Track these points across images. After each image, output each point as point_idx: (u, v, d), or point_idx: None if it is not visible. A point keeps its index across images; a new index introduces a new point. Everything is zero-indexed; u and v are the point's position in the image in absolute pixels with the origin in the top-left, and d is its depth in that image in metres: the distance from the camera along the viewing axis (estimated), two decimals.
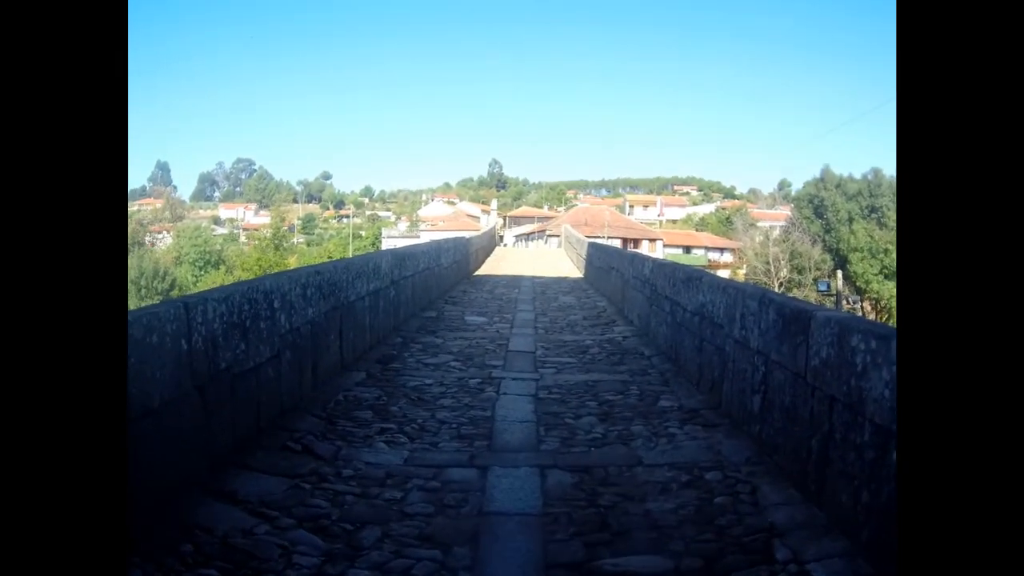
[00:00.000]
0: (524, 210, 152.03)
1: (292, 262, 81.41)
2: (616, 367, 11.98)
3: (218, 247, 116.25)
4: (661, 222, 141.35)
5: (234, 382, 6.76)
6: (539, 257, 52.44)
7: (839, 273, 63.99)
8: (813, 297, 62.16)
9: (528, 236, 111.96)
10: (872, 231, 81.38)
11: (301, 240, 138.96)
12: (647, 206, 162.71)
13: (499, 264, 41.32)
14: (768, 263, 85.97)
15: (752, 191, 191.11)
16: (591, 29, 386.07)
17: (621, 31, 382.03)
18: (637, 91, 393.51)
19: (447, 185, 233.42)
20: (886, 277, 77.00)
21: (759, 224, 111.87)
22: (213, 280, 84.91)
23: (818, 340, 5.91)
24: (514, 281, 29.00)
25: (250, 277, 9.49)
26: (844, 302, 57.52)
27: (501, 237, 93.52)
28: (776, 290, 27.02)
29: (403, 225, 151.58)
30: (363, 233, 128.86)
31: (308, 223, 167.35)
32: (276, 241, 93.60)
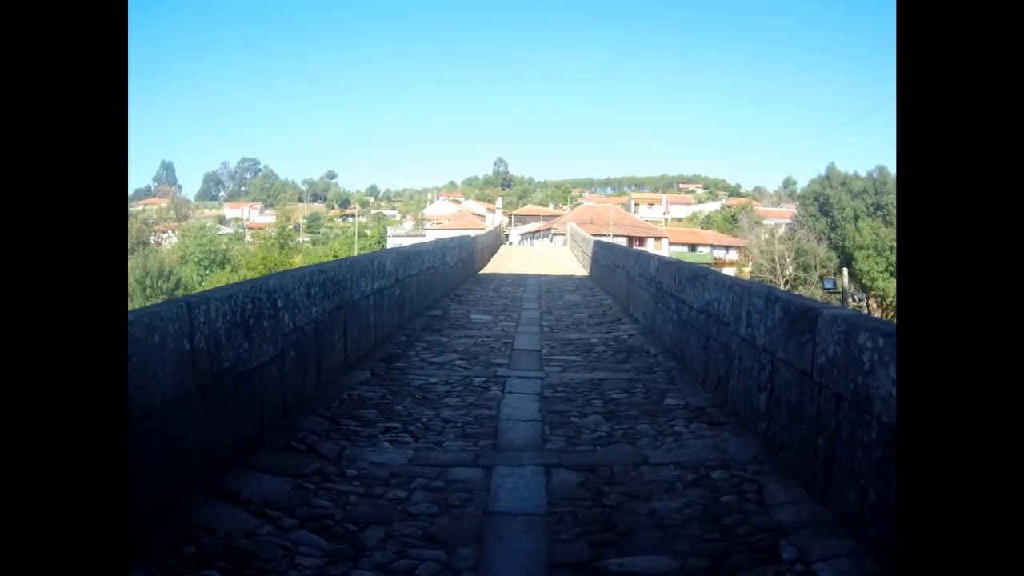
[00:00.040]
0: (529, 208, 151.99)
1: (297, 261, 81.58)
2: (622, 365, 11.94)
3: (223, 246, 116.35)
4: (666, 220, 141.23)
5: (237, 381, 6.73)
6: (544, 255, 52.39)
7: (845, 271, 64.06)
8: (819, 295, 62.06)
9: (533, 235, 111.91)
10: (877, 228, 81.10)
11: (306, 239, 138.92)
12: (652, 204, 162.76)
13: (504, 262, 41.30)
14: (774, 261, 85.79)
15: (757, 189, 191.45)
16: (596, 28, 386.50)
17: (626, 31, 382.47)
18: (642, 90, 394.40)
19: (452, 184, 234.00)
20: (891, 275, 76.71)
21: (764, 222, 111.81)
22: (218, 279, 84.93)
23: (825, 338, 5.87)
24: (519, 279, 29.00)
25: (255, 276, 9.47)
26: (850, 300, 57.56)
27: (506, 236, 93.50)
28: (782, 288, 26.99)
29: (408, 224, 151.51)
30: (368, 232, 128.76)
31: (313, 222, 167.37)
32: (281, 240, 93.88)
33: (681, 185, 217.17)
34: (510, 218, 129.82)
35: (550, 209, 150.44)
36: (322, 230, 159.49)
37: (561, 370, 11.43)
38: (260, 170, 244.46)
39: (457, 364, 11.76)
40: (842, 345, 5.52)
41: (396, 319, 14.56)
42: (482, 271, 34.25)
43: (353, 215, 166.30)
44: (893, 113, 3.31)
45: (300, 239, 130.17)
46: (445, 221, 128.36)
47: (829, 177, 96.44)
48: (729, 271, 56.71)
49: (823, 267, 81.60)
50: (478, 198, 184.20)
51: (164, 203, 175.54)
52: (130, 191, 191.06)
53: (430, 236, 69.06)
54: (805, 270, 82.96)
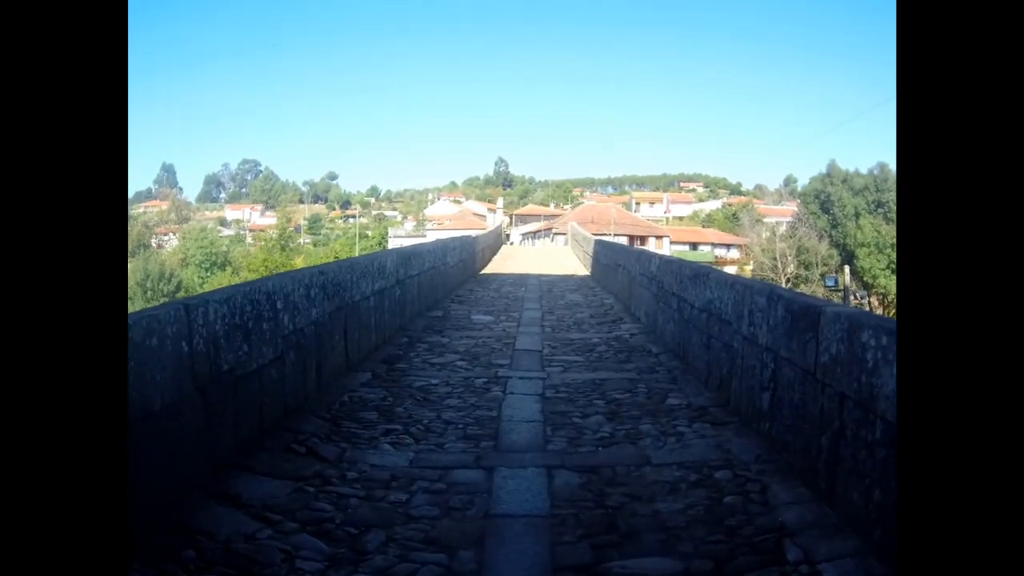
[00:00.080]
0: (530, 208, 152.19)
1: (299, 262, 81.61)
2: (623, 365, 11.92)
3: (224, 248, 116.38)
4: (667, 219, 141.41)
5: (237, 384, 6.69)
6: (546, 255, 52.42)
7: (846, 268, 64.07)
8: (820, 293, 62.05)
9: (535, 234, 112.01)
10: (879, 226, 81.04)
11: (307, 240, 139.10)
12: (653, 203, 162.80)
13: (506, 262, 41.32)
14: (775, 259, 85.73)
15: (758, 187, 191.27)
16: (597, 28, 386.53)
17: (627, 30, 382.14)
18: (643, 89, 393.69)
19: (453, 184, 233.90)
20: (893, 272, 76.66)
21: (766, 220, 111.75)
22: (219, 282, 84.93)
23: (828, 336, 5.83)
24: (521, 279, 28.99)
25: (256, 278, 9.49)
26: (852, 297, 57.54)
27: (507, 235, 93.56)
28: (783, 286, 27.00)
29: (409, 224, 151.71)
30: (369, 233, 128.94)
31: (314, 223, 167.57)
32: (282, 242, 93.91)
33: (682, 184, 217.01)
34: (511, 218, 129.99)
35: (551, 209, 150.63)
36: (323, 231, 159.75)
37: (563, 370, 11.40)
38: (261, 172, 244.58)
39: (458, 365, 11.73)
40: (845, 343, 5.49)
41: (397, 320, 14.53)
42: (483, 271, 34.26)
43: (354, 216, 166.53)
44: (894, 111, 3.31)
45: (301, 240, 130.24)
46: (446, 221, 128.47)
47: (830, 174, 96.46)
48: (730, 269, 56.74)
49: (825, 265, 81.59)
50: (479, 198, 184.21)
51: (165, 205, 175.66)
52: (130, 193, 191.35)
53: (431, 236, 69.11)
54: (807, 268, 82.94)
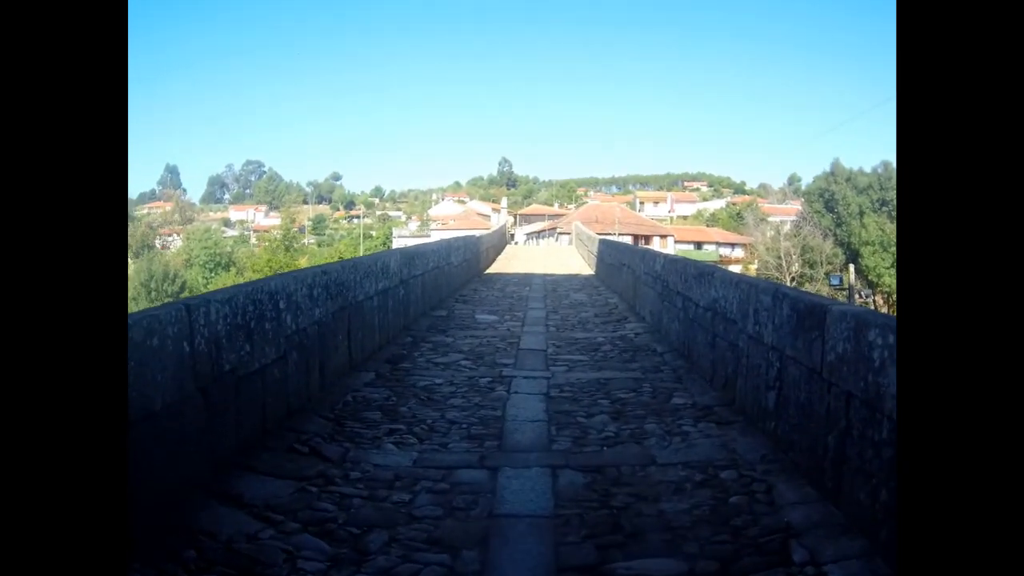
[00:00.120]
0: (535, 208, 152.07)
1: (303, 263, 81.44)
2: (628, 364, 11.88)
3: (228, 249, 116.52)
4: (672, 218, 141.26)
5: (239, 384, 6.67)
6: (550, 255, 52.41)
7: (851, 267, 63.97)
8: (825, 291, 62.13)
9: (539, 234, 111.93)
10: (883, 224, 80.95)
11: (312, 241, 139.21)
12: (657, 202, 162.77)
13: (510, 262, 41.31)
14: (780, 258, 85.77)
15: (762, 186, 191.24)
16: (600, 28, 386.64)
17: (630, 30, 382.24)
18: (646, 88, 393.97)
19: (457, 184, 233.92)
20: None
21: (770, 219, 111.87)
22: (224, 282, 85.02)
23: (834, 335, 5.80)
24: (525, 279, 28.97)
25: (259, 278, 9.48)
26: (856, 296, 57.51)
27: (512, 235, 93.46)
28: (788, 285, 27.06)
29: (414, 225, 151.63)
30: (374, 233, 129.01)
31: (319, 224, 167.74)
32: (287, 242, 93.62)
33: (686, 183, 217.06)
34: (515, 218, 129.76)
35: (555, 208, 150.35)
36: (327, 232, 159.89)
37: (567, 370, 11.37)
38: (265, 172, 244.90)
39: (462, 364, 11.71)
40: (851, 342, 5.45)
41: (401, 320, 14.51)
42: (487, 271, 34.26)
43: (358, 216, 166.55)
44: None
45: (305, 241, 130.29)
46: (450, 221, 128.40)
47: (834, 173, 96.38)
48: (735, 269, 56.70)
49: (829, 264, 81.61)
50: (483, 198, 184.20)
51: (169, 206, 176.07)
52: (134, 195, 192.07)
53: (435, 236, 69.00)
54: (811, 267, 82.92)
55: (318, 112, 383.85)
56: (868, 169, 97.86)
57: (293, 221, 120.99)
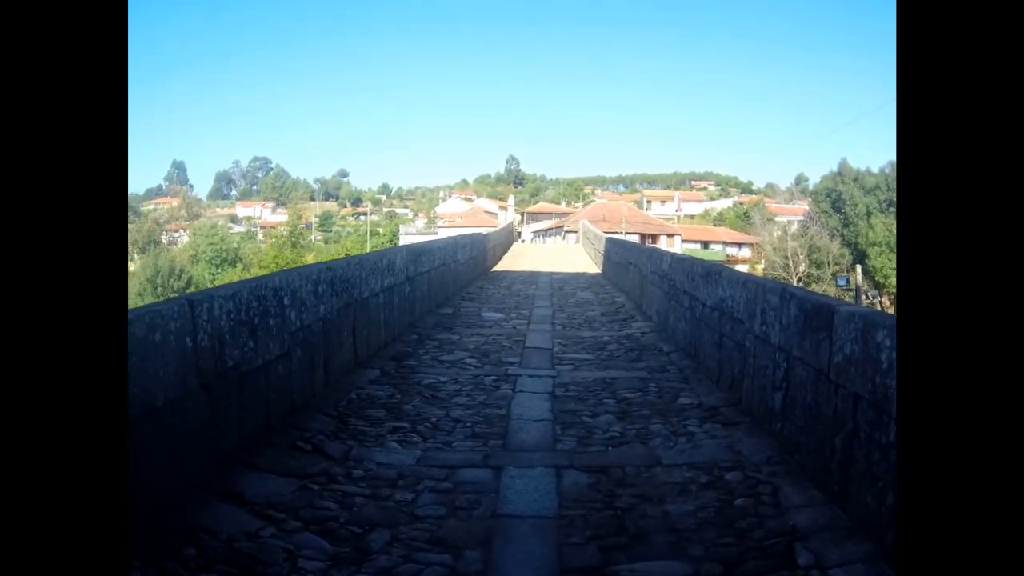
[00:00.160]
0: (542, 206, 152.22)
1: (309, 259, 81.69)
2: (634, 364, 11.84)
3: (235, 245, 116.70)
4: (679, 217, 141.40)
5: (242, 380, 6.64)
6: (557, 253, 52.46)
7: (858, 268, 63.96)
8: (832, 292, 62.00)
9: (546, 232, 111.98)
10: (891, 225, 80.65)
11: (319, 238, 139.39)
12: (665, 201, 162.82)
13: (517, 260, 41.35)
14: (786, 258, 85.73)
15: (769, 186, 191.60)
16: (608, 28, 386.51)
17: (638, 30, 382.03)
18: (654, 87, 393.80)
19: (464, 182, 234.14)
20: None
21: (777, 219, 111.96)
22: (230, 278, 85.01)
23: (841, 336, 5.75)
24: (531, 277, 28.94)
25: (264, 274, 9.49)
26: (863, 297, 57.44)
27: (519, 233, 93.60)
28: (795, 285, 27.03)
29: (421, 222, 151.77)
30: (381, 230, 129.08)
31: (325, 221, 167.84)
32: (293, 239, 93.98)
33: (693, 182, 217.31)
34: (522, 216, 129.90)
35: (562, 207, 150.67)
36: (334, 229, 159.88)
37: (573, 368, 11.34)
38: (272, 169, 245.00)
39: (468, 362, 11.68)
40: (859, 343, 5.41)
41: (407, 317, 14.49)
42: (494, 269, 34.27)
43: (365, 213, 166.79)
44: None
45: (312, 238, 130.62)
46: (457, 219, 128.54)
47: (842, 173, 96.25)
48: (742, 268, 56.64)
49: (836, 264, 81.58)
50: (490, 196, 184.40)
51: (175, 202, 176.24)
52: (141, 191, 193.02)
53: (442, 234, 69.07)
54: (818, 267, 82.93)
55: (326, 109, 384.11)
56: (875, 169, 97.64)
57: (300, 218, 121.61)
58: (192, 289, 78.50)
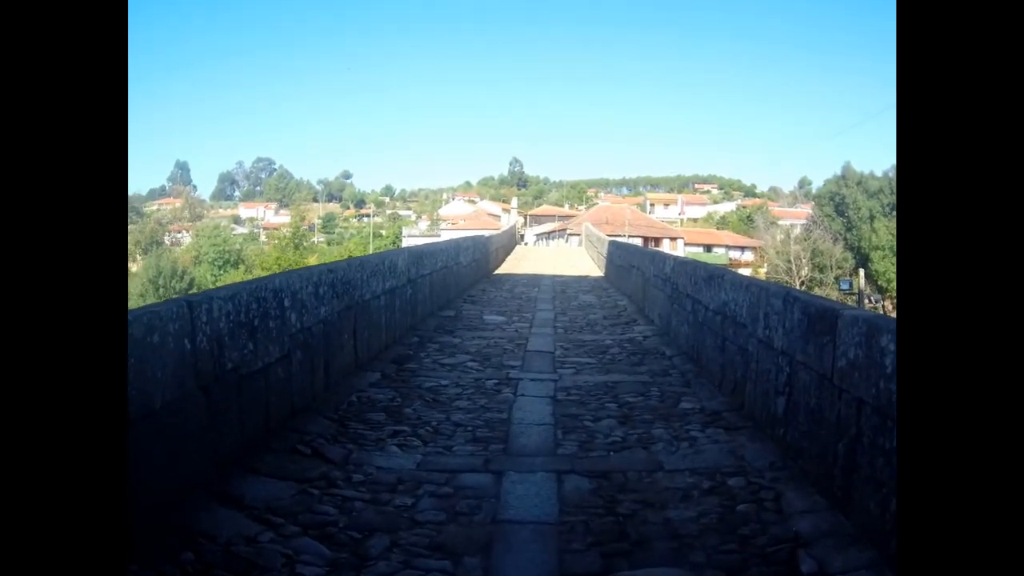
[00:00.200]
0: (545, 209, 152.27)
1: (312, 261, 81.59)
2: (636, 368, 11.80)
3: (237, 246, 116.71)
4: (682, 220, 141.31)
5: (241, 383, 6.60)
6: (560, 256, 52.43)
7: (861, 272, 64.01)
8: (835, 296, 61.95)
9: (549, 235, 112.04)
10: (894, 229, 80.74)
11: (321, 239, 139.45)
12: (668, 204, 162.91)
13: (519, 263, 41.30)
14: (789, 261, 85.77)
15: (772, 189, 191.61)
16: (611, 29, 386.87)
17: (641, 31, 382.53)
18: (657, 90, 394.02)
19: (468, 184, 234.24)
20: None
21: (780, 222, 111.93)
22: (232, 280, 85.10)
23: (845, 340, 5.71)
24: (534, 280, 28.91)
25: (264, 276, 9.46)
26: (866, 301, 57.42)
27: (522, 236, 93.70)
28: (798, 289, 27.08)
29: (424, 224, 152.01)
30: (384, 232, 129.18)
31: (328, 222, 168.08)
32: (296, 240, 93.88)
33: (696, 185, 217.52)
34: (525, 218, 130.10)
35: (565, 209, 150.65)
36: (337, 230, 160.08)
37: (575, 372, 11.30)
38: (275, 170, 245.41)
39: (469, 366, 11.65)
40: (863, 348, 5.37)
41: (408, 319, 14.45)
42: (497, 271, 34.24)
43: (368, 215, 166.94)
44: None
45: (315, 239, 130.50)
46: (460, 221, 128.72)
47: (845, 177, 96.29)
48: (745, 272, 56.60)
49: (839, 268, 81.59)
50: (493, 198, 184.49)
51: (179, 203, 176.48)
52: (144, 191, 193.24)
53: (445, 236, 69.12)
54: (821, 271, 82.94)
55: (329, 110, 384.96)
56: (879, 173, 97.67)
57: (303, 219, 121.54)
58: (194, 290, 78.63)
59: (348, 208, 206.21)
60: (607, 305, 20.68)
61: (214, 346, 6.08)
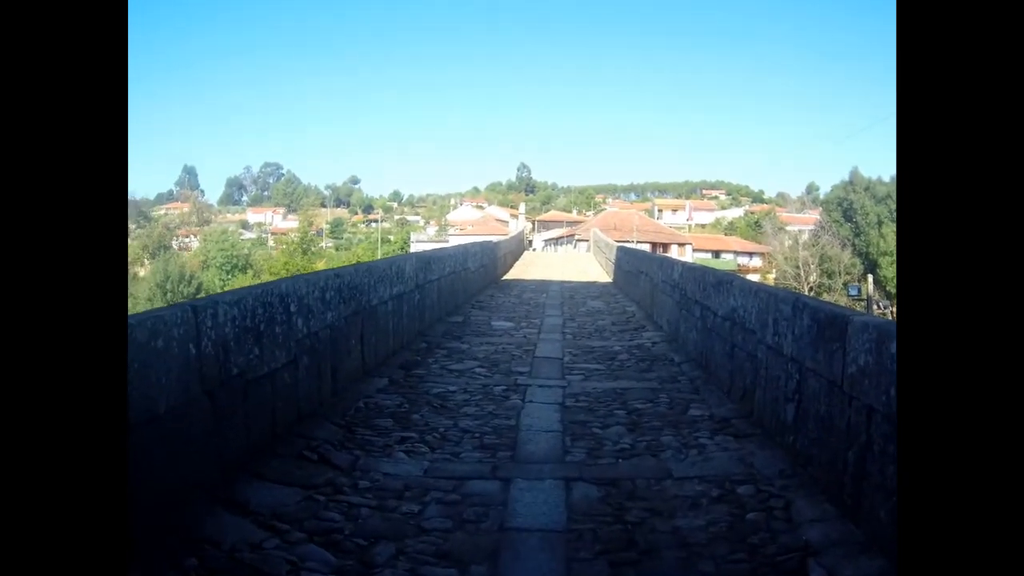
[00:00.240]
0: (553, 214, 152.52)
1: (320, 266, 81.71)
2: (645, 374, 11.76)
3: (245, 251, 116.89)
4: (690, 226, 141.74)
5: (247, 388, 6.57)
6: (568, 261, 52.44)
7: (869, 277, 63.93)
8: (843, 302, 61.88)
9: (557, 240, 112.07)
10: None
11: (329, 244, 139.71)
12: (676, 210, 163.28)
13: (527, 268, 41.32)
14: (798, 267, 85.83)
15: (780, 195, 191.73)
16: (620, 35, 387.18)
17: (649, 36, 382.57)
18: (665, 95, 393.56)
19: (476, 189, 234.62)
20: None
21: (788, 228, 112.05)
22: (240, 284, 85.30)
23: (855, 347, 5.66)
24: (542, 286, 28.88)
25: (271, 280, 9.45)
26: (874, 307, 57.32)
27: (530, 242, 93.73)
28: (807, 295, 27.03)
29: (432, 230, 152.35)
30: (392, 238, 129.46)
31: (336, 227, 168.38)
32: (304, 245, 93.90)
33: (704, 191, 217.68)
34: (533, 224, 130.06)
35: (574, 215, 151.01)
36: (345, 235, 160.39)
37: (583, 379, 11.27)
38: (283, 175, 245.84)
39: (477, 372, 11.61)
40: (873, 354, 5.32)
41: (416, 325, 14.42)
42: (505, 277, 34.22)
43: (376, 221, 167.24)
44: None
45: (323, 244, 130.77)
46: (468, 227, 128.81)
47: (853, 182, 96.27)
48: (753, 278, 56.55)
49: (847, 274, 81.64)
50: (501, 204, 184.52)
51: (186, 207, 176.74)
52: (152, 195, 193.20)
53: (453, 241, 69.19)
54: (829, 277, 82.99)
55: (337, 115, 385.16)
56: (887, 178, 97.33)
57: (311, 224, 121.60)
58: (202, 295, 78.78)
59: (356, 213, 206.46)
60: (615, 311, 20.67)
61: (219, 351, 6.04)
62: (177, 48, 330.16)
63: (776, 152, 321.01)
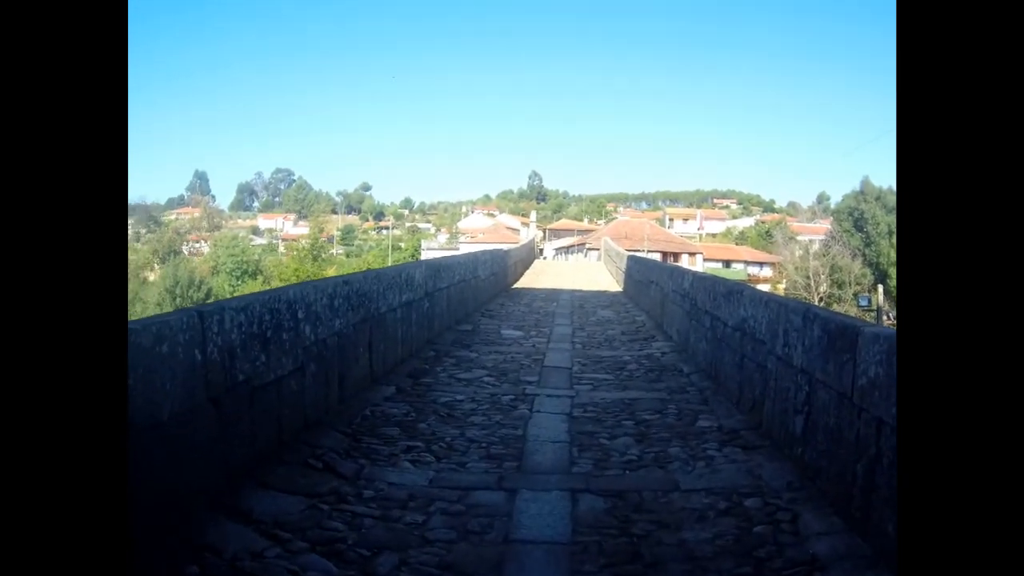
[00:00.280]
0: (564, 223, 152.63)
1: (331, 273, 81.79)
2: (654, 384, 11.72)
3: (256, 257, 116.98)
4: (701, 236, 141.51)
5: (253, 395, 6.54)
6: (578, 270, 52.45)
7: (880, 288, 63.62)
8: (854, 312, 61.74)
9: (568, 249, 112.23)
10: None
11: (340, 251, 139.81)
12: (687, 219, 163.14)
13: (538, 277, 41.29)
14: (808, 277, 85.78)
15: (791, 204, 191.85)
16: (632, 45, 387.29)
17: (662, 47, 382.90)
18: (676, 105, 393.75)
19: (487, 197, 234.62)
20: None
21: (799, 238, 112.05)
22: (250, 290, 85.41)
23: (866, 358, 5.62)
24: (552, 295, 28.86)
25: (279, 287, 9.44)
26: (885, 318, 57.14)
27: (541, 250, 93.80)
28: (817, 305, 27.00)
29: (443, 237, 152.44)
30: (403, 245, 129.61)
31: (347, 234, 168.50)
32: (314, 252, 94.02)
33: (715, 200, 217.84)
34: (544, 232, 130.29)
35: (585, 224, 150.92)
36: (356, 242, 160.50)
37: (592, 389, 11.24)
38: (294, 181, 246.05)
39: (485, 381, 11.58)
40: (884, 366, 5.28)
41: (425, 333, 14.39)
42: (515, 285, 34.22)
43: (387, 228, 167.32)
44: None
45: (334, 251, 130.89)
46: (479, 234, 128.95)
47: (864, 192, 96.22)
48: (763, 288, 56.48)
49: (858, 284, 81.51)
50: (512, 212, 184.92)
51: (197, 212, 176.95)
52: (163, 200, 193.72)
53: (464, 249, 69.20)
54: (840, 287, 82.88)
55: (349, 122, 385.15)
56: None
57: (322, 231, 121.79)
58: (212, 300, 78.98)
59: (367, 220, 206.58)
60: (625, 320, 20.63)
61: (225, 357, 6.02)
62: (190, 54, 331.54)
63: (787, 162, 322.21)
